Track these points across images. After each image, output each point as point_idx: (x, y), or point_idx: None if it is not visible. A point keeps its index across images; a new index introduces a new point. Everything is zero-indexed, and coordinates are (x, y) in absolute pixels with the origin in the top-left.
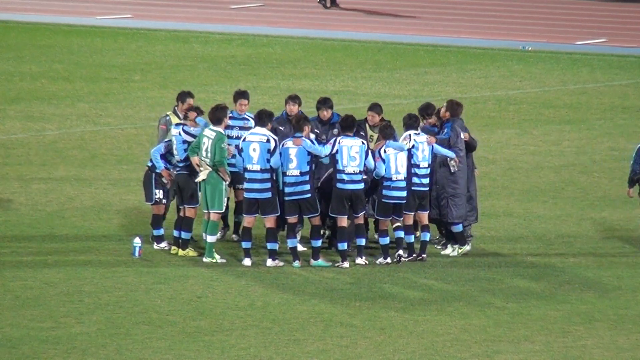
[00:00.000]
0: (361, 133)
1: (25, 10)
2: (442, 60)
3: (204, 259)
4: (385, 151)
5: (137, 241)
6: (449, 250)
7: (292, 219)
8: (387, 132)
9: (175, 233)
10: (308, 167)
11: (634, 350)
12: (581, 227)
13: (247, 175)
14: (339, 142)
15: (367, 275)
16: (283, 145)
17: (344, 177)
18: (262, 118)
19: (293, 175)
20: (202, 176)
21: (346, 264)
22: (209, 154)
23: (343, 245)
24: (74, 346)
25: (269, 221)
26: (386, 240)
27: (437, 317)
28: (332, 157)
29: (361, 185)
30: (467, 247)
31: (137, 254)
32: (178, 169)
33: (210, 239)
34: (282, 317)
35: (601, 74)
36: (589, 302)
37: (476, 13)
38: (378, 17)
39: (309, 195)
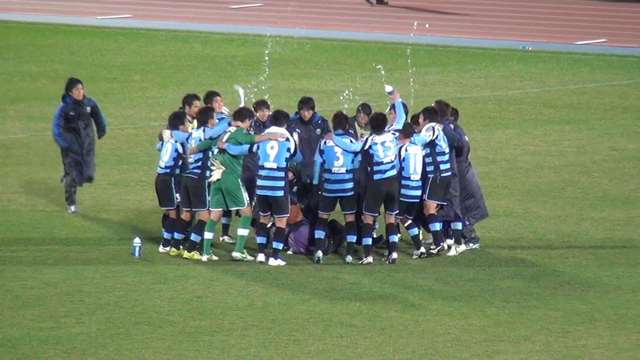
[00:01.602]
0: (350, 131)
1: (25, 10)
2: (442, 60)
3: (233, 254)
4: (406, 150)
5: (137, 241)
6: (451, 252)
7: (325, 215)
8: (408, 131)
9: (169, 235)
10: (352, 165)
11: (634, 350)
12: (581, 227)
13: (261, 172)
14: (372, 139)
15: (367, 275)
16: (325, 143)
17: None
18: (279, 118)
19: (339, 173)
20: (216, 176)
21: (370, 259)
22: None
23: (367, 241)
24: (74, 346)
25: (280, 221)
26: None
27: (437, 317)
28: (365, 153)
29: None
30: (462, 247)
31: (137, 254)
32: (187, 171)
33: (242, 232)
34: (282, 317)
35: (601, 74)
36: (589, 302)
37: (476, 13)
38: (378, 17)
39: (351, 192)
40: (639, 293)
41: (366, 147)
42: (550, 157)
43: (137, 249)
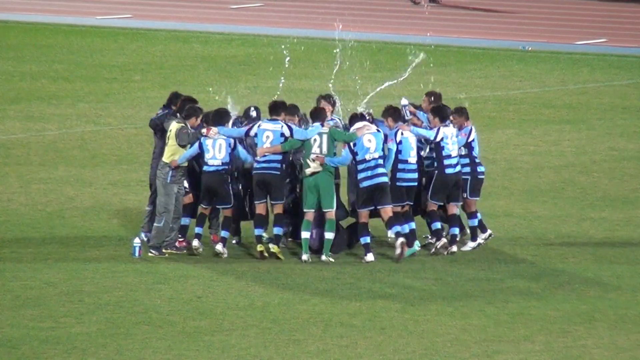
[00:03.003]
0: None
1: (25, 10)
2: (442, 60)
3: (322, 257)
4: (402, 134)
5: (137, 241)
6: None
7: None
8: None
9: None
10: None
11: (634, 350)
12: (581, 227)
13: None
14: (401, 133)
15: (367, 275)
16: (402, 134)
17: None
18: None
19: (413, 163)
20: (313, 168)
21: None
22: (323, 150)
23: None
24: (74, 346)
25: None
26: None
27: (437, 317)
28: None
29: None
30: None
31: (137, 254)
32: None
33: (330, 235)
34: (282, 317)
35: (601, 74)
36: (589, 302)
37: (476, 13)
38: (378, 17)
39: (416, 183)
40: (639, 293)
41: (438, 138)
42: (550, 157)
43: (137, 249)
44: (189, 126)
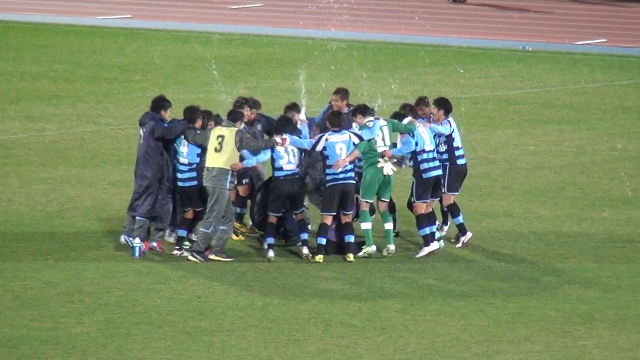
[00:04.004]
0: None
1: (25, 10)
2: (442, 60)
3: (391, 247)
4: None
5: (137, 241)
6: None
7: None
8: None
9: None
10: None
11: (634, 350)
12: (581, 227)
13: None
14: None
15: (367, 275)
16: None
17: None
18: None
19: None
20: (388, 167)
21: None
22: (386, 143)
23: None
24: (74, 346)
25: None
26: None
27: (437, 317)
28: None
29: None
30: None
31: (137, 254)
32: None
33: (366, 226)
34: (282, 317)
35: (601, 74)
36: (589, 302)
37: (476, 13)
38: (378, 17)
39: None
40: (639, 293)
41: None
42: (550, 157)
43: (137, 249)
44: (244, 129)
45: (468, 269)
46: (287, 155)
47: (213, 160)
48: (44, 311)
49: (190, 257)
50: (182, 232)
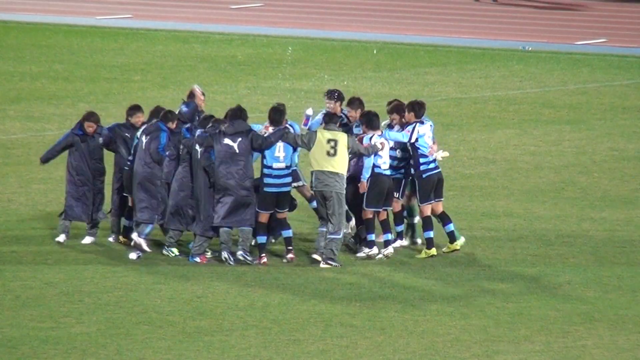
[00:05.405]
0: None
1: (25, 10)
2: (442, 60)
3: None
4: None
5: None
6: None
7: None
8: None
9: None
10: None
11: (634, 350)
12: (581, 227)
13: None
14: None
15: (367, 275)
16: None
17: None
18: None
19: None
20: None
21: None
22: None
23: (263, 239)
24: (74, 346)
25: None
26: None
27: (437, 317)
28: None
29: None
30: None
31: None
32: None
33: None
34: (282, 317)
35: (601, 74)
36: (589, 302)
37: (476, 13)
38: (378, 17)
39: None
40: (639, 293)
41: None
42: (550, 157)
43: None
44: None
45: (468, 269)
46: (383, 155)
47: (325, 164)
48: (44, 311)
49: (323, 265)
50: (262, 239)
